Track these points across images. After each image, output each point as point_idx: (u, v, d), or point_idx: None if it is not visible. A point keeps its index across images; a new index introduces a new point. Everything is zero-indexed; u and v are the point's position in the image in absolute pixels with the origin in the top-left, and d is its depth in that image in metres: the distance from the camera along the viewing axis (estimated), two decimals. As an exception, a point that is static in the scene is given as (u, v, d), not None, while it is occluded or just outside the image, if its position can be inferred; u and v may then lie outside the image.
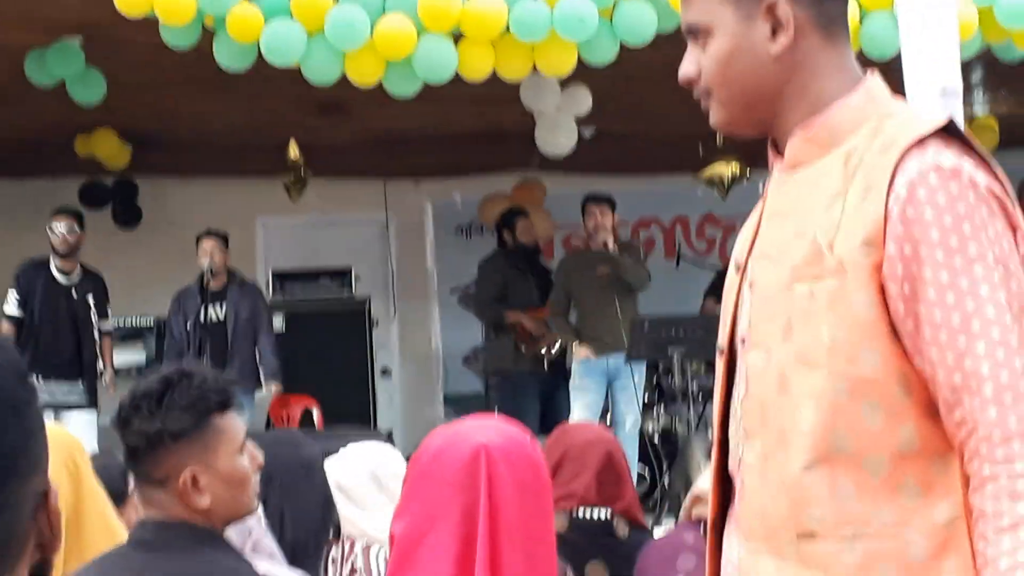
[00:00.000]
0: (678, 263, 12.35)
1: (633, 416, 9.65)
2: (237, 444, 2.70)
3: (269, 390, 9.75)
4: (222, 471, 2.65)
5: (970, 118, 11.77)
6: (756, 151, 11.49)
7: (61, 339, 9.33)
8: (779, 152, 2.23)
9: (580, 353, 9.82)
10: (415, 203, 13.04)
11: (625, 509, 4.39)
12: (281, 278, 12.16)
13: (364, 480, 4.10)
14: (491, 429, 2.36)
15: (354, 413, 11.19)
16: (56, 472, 2.98)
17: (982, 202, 2.02)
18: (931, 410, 2.01)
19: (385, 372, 12.54)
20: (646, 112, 10.81)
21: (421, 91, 7.97)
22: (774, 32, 2.17)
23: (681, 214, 13.12)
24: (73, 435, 3.07)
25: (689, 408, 10.63)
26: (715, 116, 2.24)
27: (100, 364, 9.53)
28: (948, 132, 2.08)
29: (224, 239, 9.74)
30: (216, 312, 9.59)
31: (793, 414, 2.05)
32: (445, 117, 10.70)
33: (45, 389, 8.93)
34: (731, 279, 2.26)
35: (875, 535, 2.01)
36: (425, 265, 13.01)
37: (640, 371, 9.75)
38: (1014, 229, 2.05)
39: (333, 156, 11.78)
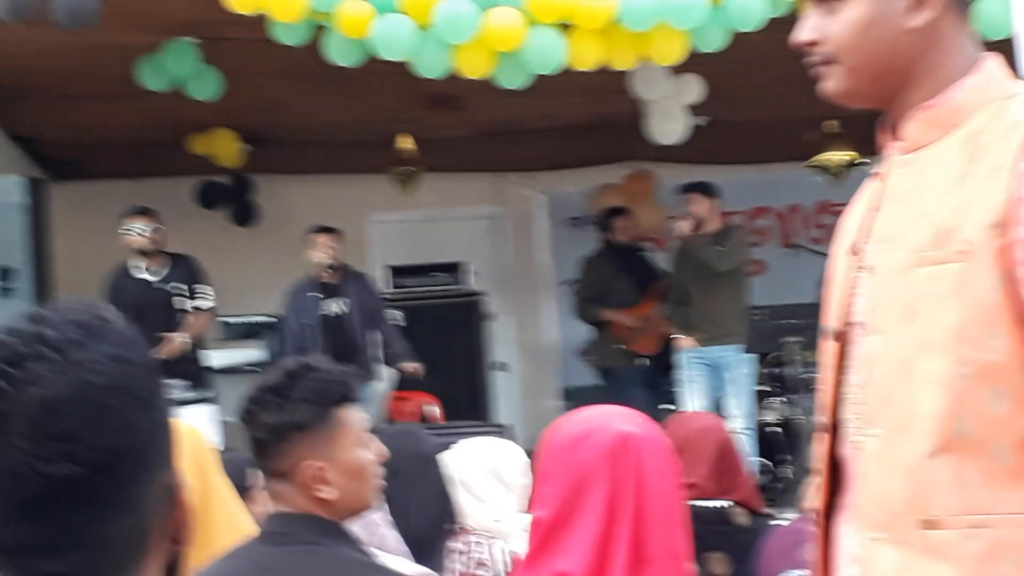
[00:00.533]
0: (795, 249, 12.21)
1: (745, 408, 9.52)
2: (359, 436, 2.71)
3: (409, 366, 9.92)
4: (345, 463, 2.66)
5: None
6: (869, 137, 11.40)
7: (151, 338, 9.29)
8: (893, 133, 2.19)
9: (684, 343, 9.73)
10: (527, 196, 13.03)
11: (743, 499, 4.37)
12: (394, 272, 12.19)
13: (484, 473, 4.11)
14: (625, 417, 2.37)
15: (468, 407, 11.22)
16: (183, 466, 3.00)
17: None
18: None
19: (501, 366, 12.53)
20: (759, 99, 10.73)
21: (531, 83, 7.96)
22: (919, 3, 2.12)
23: (795, 202, 12.97)
24: (194, 429, 3.10)
25: (811, 397, 10.54)
26: (836, 84, 2.20)
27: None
28: None
29: (337, 234, 9.79)
30: (337, 306, 9.64)
31: (916, 400, 2.01)
32: (555, 108, 10.71)
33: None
34: (844, 263, 2.21)
35: (1001, 524, 1.96)
36: (539, 258, 12.98)
37: (751, 363, 9.65)
38: None
39: (444, 150, 11.82)
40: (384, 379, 9.95)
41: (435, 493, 3.61)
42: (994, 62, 2.15)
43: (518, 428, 12.07)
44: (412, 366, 9.98)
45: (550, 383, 12.93)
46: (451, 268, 12.29)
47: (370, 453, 2.73)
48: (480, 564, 3.81)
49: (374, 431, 2.90)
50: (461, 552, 4.08)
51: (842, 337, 2.17)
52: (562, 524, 2.26)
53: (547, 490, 2.30)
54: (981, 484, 1.97)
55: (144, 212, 9.44)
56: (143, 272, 9.39)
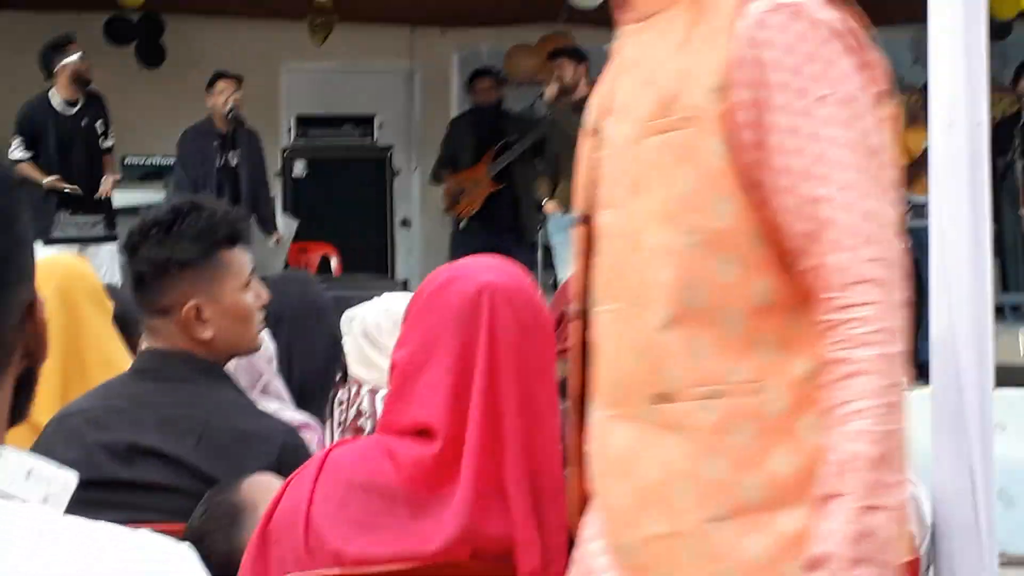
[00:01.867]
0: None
1: None
2: (243, 279, 2.69)
3: (275, 241, 9.79)
4: (226, 304, 2.64)
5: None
6: None
7: (77, 172, 9.26)
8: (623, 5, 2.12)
9: (549, 208, 9.72)
10: (441, 52, 12.91)
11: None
12: (304, 123, 12.06)
13: (390, 327, 4.10)
14: (496, 269, 2.36)
15: (372, 261, 11.20)
16: (46, 297, 2.96)
17: (826, 40, 1.93)
18: (787, 262, 1.94)
19: (405, 223, 12.50)
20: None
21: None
22: None
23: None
24: (72, 264, 3.07)
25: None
26: None
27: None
28: None
29: (239, 81, 9.62)
30: (233, 156, 9.50)
31: (647, 272, 1.97)
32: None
33: (72, 223, 8.91)
34: (587, 144, 2.14)
35: (732, 392, 1.94)
36: (449, 115, 12.89)
37: None
38: (865, 67, 1.97)
39: (360, 0, 11.65)
40: (284, 228, 9.86)
41: (321, 342, 3.60)
42: None
43: (416, 284, 12.09)
44: (277, 236, 9.87)
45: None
46: (361, 121, 12.17)
47: (252, 296, 2.70)
48: (360, 413, 3.82)
49: (263, 278, 2.88)
50: (341, 402, 4.09)
51: (588, 220, 2.11)
52: (417, 370, 2.26)
53: (408, 334, 2.31)
54: (714, 354, 1.94)
55: (72, 41, 9.41)
56: (62, 105, 9.27)
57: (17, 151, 9.17)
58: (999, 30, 12.05)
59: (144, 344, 2.67)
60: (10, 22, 11.35)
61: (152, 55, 12.13)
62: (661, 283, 1.96)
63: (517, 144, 10.48)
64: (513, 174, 10.56)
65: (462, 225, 10.63)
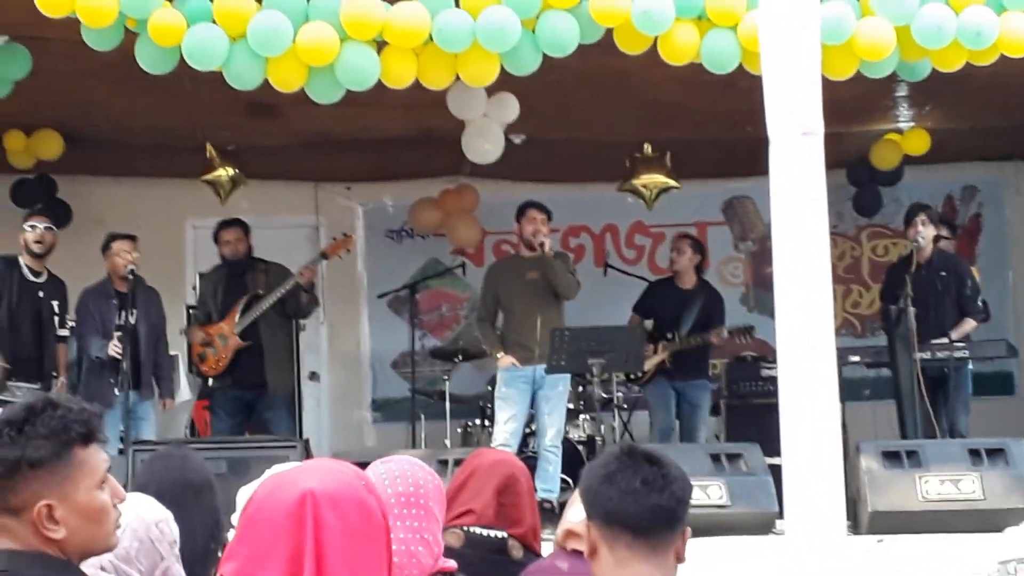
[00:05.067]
0: (605, 272, 12.37)
1: (556, 427, 9.60)
2: (97, 477, 2.66)
3: (166, 402, 9.71)
4: (80, 504, 2.61)
5: (896, 131, 11.92)
6: (683, 160, 11.56)
7: (25, 338, 9.26)
8: None
9: (504, 362, 9.74)
10: (346, 207, 13.01)
11: (522, 534, 4.42)
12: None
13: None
14: (322, 472, 2.36)
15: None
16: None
17: None
18: None
19: (312, 376, 12.49)
20: (575, 118, 10.87)
21: (350, 95, 7.95)
22: None
23: (611, 222, 13.13)
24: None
25: (613, 416, 10.71)
26: None
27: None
28: None
29: (135, 241, 9.63)
30: (129, 315, 9.45)
31: None
32: (375, 121, 10.72)
33: (8, 388, 8.84)
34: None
35: None
36: (356, 269, 12.96)
37: (566, 382, 9.72)
38: None
39: (264, 158, 11.78)
40: (187, 387, 9.80)
41: (200, 519, 3.59)
42: None
43: (325, 439, 12.06)
44: (169, 403, 9.79)
45: (360, 394, 12.94)
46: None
47: (106, 495, 2.69)
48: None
49: (154, 452, 2.87)
50: None
51: None
52: None
53: (236, 547, 2.31)
54: None
55: (45, 213, 9.67)
56: (27, 270, 9.37)
57: None
58: (889, 177, 12.37)
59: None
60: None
61: (58, 215, 12.13)
62: None
63: (265, 298, 10.35)
64: (259, 329, 10.35)
65: (211, 383, 10.31)
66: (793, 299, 2.85)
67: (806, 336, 2.87)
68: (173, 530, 3.43)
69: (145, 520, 3.32)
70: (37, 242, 9.31)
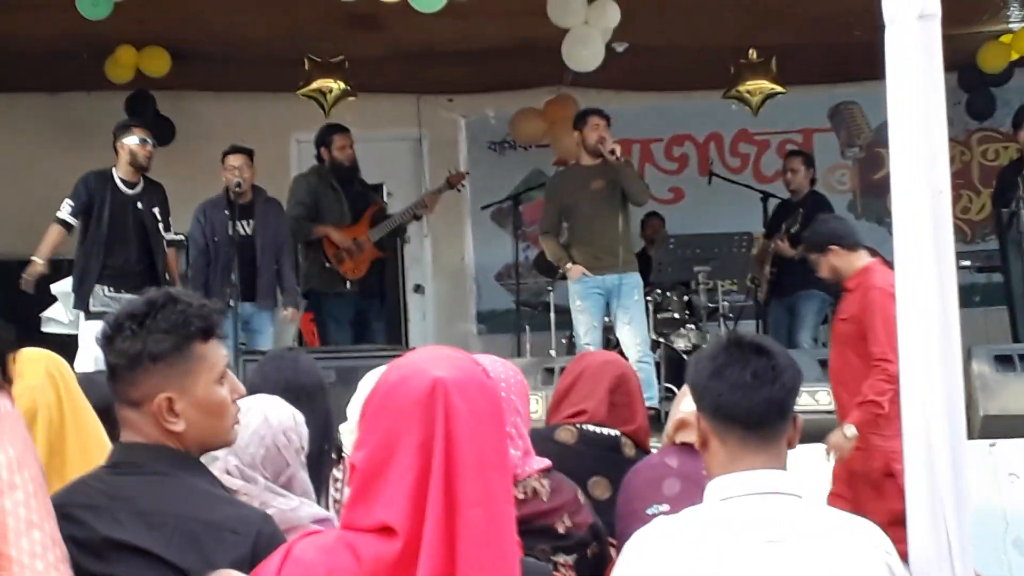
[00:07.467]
0: (710, 180, 12.24)
1: (640, 338, 9.36)
2: (217, 372, 2.70)
3: (287, 312, 9.73)
4: (199, 397, 2.65)
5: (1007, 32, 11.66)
6: (789, 65, 11.35)
7: (132, 251, 9.20)
8: None
9: (575, 272, 9.51)
10: (448, 119, 13.00)
11: (634, 432, 4.44)
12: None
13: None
14: (446, 361, 2.36)
15: (385, 330, 11.23)
16: (41, 386, 3.03)
17: None
18: None
19: (417, 289, 12.55)
20: (677, 24, 10.73)
21: (450, 5, 7.91)
22: None
23: (715, 130, 13.00)
24: (54, 355, 3.12)
25: (720, 326, 10.64)
26: None
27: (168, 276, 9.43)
28: None
29: (250, 155, 9.67)
30: (244, 227, 9.54)
31: None
32: (476, 31, 10.69)
33: (120, 301, 8.76)
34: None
35: None
36: (458, 181, 12.95)
37: (640, 290, 9.48)
38: None
39: (366, 71, 11.75)
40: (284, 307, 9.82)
41: (313, 421, 3.61)
42: None
43: (431, 351, 12.07)
44: (291, 311, 9.80)
45: (465, 307, 12.99)
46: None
47: (225, 390, 2.72)
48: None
49: (265, 354, 2.89)
50: (336, 480, 4.12)
51: None
52: (377, 472, 2.25)
53: (365, 436, 2.31)
54: None
55: (144, 125, 9.47)
56: (121, 182, 9.24)
57: (63, 212, 9.18)
58: (997, 78, 12.11)
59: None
60: (20, 104, 11.54)
61: (162, 132, 12.23)
62: None
63: (398, 215, 10.42)
64: (383, 242, 10.44)
65: (346, 287, 10.30)
66: (913, 192, 2.79)
67: (924, 236, 2.82)
68: (302, 436, 3.44)
69: (272, 426, 3.34)
70: (148, 157, 9.27)
